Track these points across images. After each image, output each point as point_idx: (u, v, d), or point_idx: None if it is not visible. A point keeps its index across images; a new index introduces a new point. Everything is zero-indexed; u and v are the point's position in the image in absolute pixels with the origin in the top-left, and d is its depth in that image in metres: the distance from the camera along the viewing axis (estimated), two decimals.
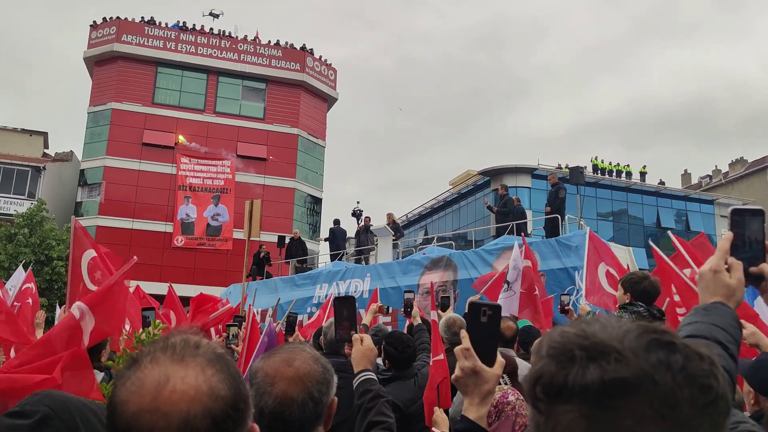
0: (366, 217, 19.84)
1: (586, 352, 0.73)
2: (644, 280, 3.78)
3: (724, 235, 1.53)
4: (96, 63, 37.32)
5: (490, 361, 1.72)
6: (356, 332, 2.70)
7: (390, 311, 8.16)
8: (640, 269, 8.75)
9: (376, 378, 2.62)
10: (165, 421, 0.93)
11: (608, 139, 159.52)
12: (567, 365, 0.73)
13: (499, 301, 7.55)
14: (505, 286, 7.72)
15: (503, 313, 7.12)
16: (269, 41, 39.51)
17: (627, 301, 3.79)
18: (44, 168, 35.69)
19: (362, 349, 2.62)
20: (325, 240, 21.54)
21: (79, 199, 35.72)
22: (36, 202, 29.58)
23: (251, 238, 7.93)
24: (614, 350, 0.72)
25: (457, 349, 1.75)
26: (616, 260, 7.79)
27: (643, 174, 42.39)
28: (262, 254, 20.68)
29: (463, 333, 1.78)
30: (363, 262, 18.56)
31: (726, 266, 1.49)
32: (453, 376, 1.74)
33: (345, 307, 2.76)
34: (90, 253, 6.59)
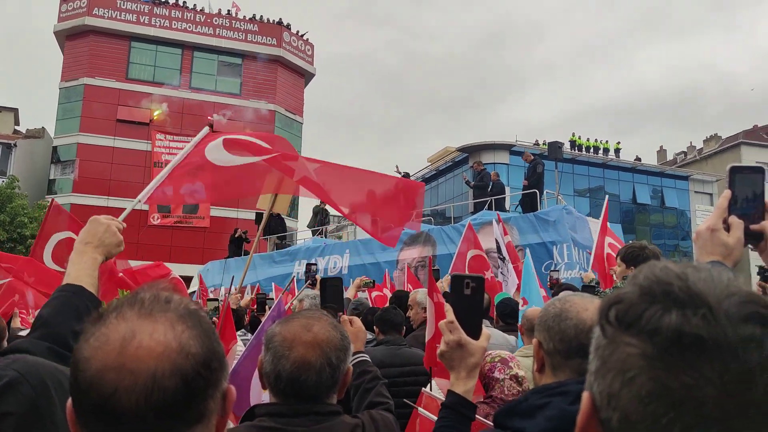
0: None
1: (676, 295, 0.67)
2: (644, 250, 3.74)
3: (722, 194, 1.46)
4: (67, 37, 36.44)
5: (475, 334, 1.70)
6: (343, 313, 2.66)
7: (374, 285, 8.24)
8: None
9: (370, 359, 2.60)
10: (131, 379, 0.87)
11: (597, 124, 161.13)
12: (649, 300, 0.68)
13: (503, 277, 7.58)
14: (500, 263, 7.76)
15: (510, 289, 7.16)
16: (245, 16, 38.89)
17: (629, 273, 3.73)
18: (15, 145, 34.94)
19: (353, 330, 2.60)
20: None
21: (52, 177, 35.12)
22: (7, 180, 28.95)
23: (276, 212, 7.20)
24: (706, 306, 0.65)
25: (441, 322, 1.73)
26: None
27: (617, 150, 42.65)
28: (238, 233, 20.48)
29: (447, 306, 1.75)
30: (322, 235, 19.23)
31: (724, 225, 1.43)
32: (438, 351, 1.72)
33: (331, 287, 2.70)
34: (63, 234, 6.45)
